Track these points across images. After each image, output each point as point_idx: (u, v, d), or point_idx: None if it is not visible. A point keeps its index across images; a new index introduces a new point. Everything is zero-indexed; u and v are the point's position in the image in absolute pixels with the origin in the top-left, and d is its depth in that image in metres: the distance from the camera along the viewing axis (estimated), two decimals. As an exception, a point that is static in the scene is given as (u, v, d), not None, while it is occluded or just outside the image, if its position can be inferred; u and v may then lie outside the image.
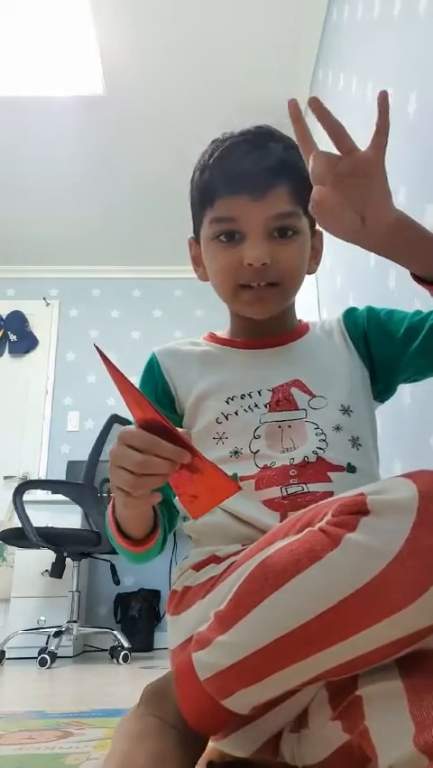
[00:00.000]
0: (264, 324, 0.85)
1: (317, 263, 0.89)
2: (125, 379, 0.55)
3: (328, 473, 0.72)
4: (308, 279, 2.79)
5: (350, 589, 0.47)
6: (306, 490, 0.71)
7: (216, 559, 0.71)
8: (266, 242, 0.78)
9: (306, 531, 0.52)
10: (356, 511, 0.49)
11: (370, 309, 0.87)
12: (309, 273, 0.86)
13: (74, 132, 3.15)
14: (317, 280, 2.63)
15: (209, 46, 2.67)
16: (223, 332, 0.92)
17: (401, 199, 1.54)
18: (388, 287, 1.64)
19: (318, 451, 0.74)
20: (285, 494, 0.71)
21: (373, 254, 1.91)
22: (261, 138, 0.80)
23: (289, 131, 0.89)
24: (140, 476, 0.57)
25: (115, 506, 0.71)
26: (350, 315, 0.88)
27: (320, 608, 0.48)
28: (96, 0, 2.43)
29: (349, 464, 0.73)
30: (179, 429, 0.58)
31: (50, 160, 3.35)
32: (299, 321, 0.91)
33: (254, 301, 0.80)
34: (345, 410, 0.78)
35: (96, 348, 0.58)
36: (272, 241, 0.78)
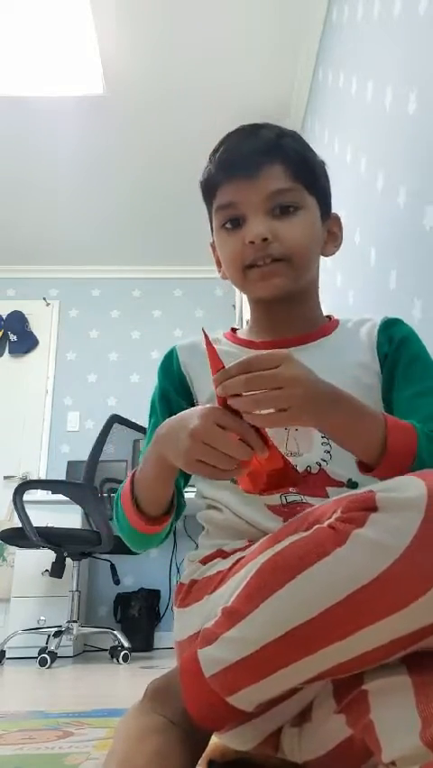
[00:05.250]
0: (283, 318, 0.84)
1: (337, 246, 0.88)
2: (220, 360, 0.60)
3: (327, 488, 0.72)
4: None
5: (358, 584, 0.47)
6: (304, 501, 0.71)
7: (222, 553, 0.72)
8: (266, 220, 0.78)
9: (315, 528, 0.52)
10: (365, 507, 0.49)
11: (406, 340, 0.82)
12: (326, 255, 0.86)
13: (74, 132, 3.15)
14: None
15: (209, 46, 2.67)
16: (245, 329, 0.91)
17: (401, 200, 1.54)
18: (388, 287, 1.64)
19: (322, 462, 0.74)
20: (285, 502, 0.72)
21: (373, 254, 1.91)
22: (253, 127, 0.83)
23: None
24: (229, 457, 0.59)
25: (143, 479, 0.73)
26: (387, 329, 0.83)
27: (328, 602, 0.48)
28: (96, 0, 2.43)
29: (350, 480, 0.73)
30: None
31: (50, 160, 3.35)
32: (329, 318, 0.89)
33: (262, 278, 0.79)
34: None
35: (203, 331, 0.67)
36: (274, 218, 0.78)
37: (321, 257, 0.87)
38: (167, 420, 0.68)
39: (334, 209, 0.92)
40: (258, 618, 0.52)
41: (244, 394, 0.57)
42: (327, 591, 0.48)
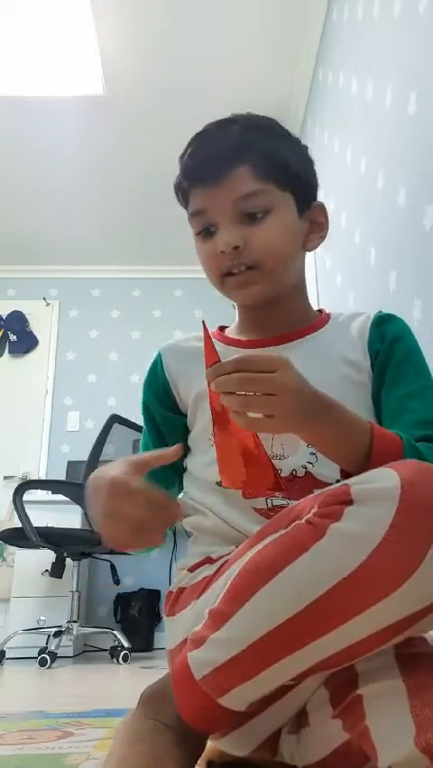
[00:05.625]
0: (268, 317, 0.82)
1: (322, 237, 0.84)
2: (216, 353, 0.61)
3: (314, 490, 0.69)
4: (309, 280, 2.77)
5: (338, 577, 0.48)
6: (290, 504, 0.69)
7: (210, 560, 0.71)
8: (236, 227, 0.75)
9: (294, 524, 0.53)
10: (341, 501, 0.49)
11: (399, 338, 0.79)
12: (310, 249, 0.83)
13: (74, 132, 3.15)
14: (317, 280, 2.63)
15: (209, 46, 2.67)
16: (233, 326, 0.90)
17: (401, 200, 1.54)
18: (388, 287, 1.64)
19: (308, 465, 0.73)
20: (270, 506, 0.71)
21: (373, 254, 1.91)
22: (220, 124, 0.80)
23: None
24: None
25: None
26: (380, 326, 0.81)
27: (310, 598, 0.48)
28: (96, 0, 2.43)
29: (337, 481, 0.71)
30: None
31: (50, 160, 3.35)
32: (319, 312, 0.87)
33: (237, 286, 0.78)
34: None
35: (203, 324, 0.66)
36: (245, 224, 0.75)
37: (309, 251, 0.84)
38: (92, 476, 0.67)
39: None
40: (243, 618, 0.52)
41: (237, 393, 0.57)
42: (308, 586, 0.49)
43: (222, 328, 0.90)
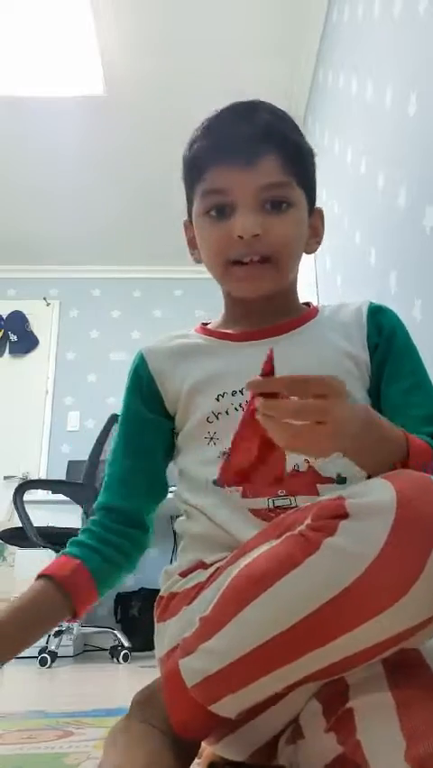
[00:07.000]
0: (261, 309, 0.80)
1: (318, 243, 0.84)
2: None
3: (318, 485, 0.69)
4: (309, 280, 2.77)
5: (331, 593, 0.47)
6: (293, 504, 0.68)
7: (202, 565, 0.70)
8: (258, 214, 0.73)
9: (286, 536, 0.52)
10: (335, 515, 0.48)
11: (395, 331, 0.79)
12: (309, 252, 0.83)
13: (74, 132, 3.15)
14: (317, 281, 2.63)
15: (210, 46, 2.67)
16: (216, 321, 0.88)
17: (401, 200, 1.54)
18: (388, 287, 1.64)
19: (310, 460, 0.70)
20: (272, 506, 0.68)
21: (373, 254, 1.91)
22: (249, 107, 0.78)
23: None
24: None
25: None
26: (375, 316, 0.80)
27: (302, 613, 0.48)
28: (96, 0, 2.43)
29: (339, 475, 0.70)
30: None
31: (50, 160, 3.35)
32: (307, 305, 0.86)
33: (247, 278, 0.76)
34: None
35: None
36: (265, 213, 0.74)
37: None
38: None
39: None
40: (235, 629, 0.51)
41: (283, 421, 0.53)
42: (301, 601, 0.48)
43: (205, 324, 0.88)
